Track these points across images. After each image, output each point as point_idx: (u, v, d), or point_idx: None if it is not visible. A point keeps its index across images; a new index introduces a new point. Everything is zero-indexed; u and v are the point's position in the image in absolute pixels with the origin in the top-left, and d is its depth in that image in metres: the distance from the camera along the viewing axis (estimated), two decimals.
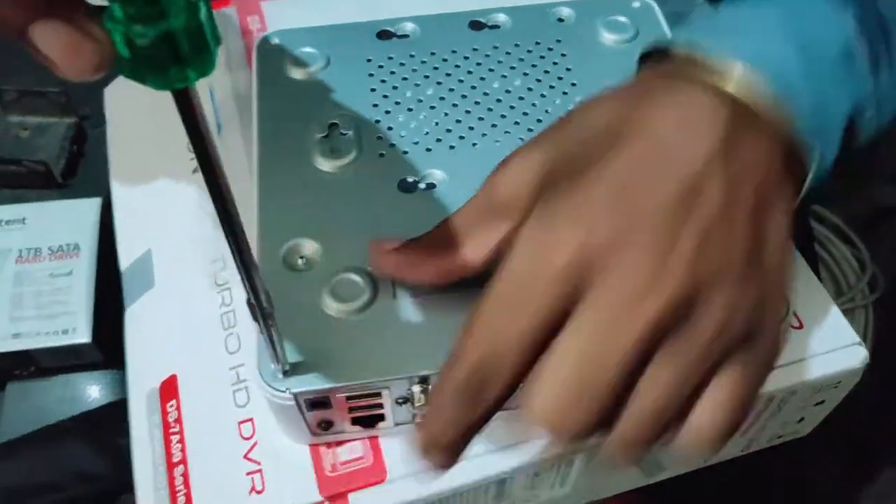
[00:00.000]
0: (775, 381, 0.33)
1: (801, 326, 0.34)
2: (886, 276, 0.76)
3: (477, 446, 0.31)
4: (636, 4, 0.40)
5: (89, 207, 0.50)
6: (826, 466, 0.60)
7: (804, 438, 0.40)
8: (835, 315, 0.35)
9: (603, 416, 0.20)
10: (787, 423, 0.37)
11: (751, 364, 0.22)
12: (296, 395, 0.28)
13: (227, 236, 0.21)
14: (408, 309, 0.29)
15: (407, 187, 0.33)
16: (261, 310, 0.24)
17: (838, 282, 0.77)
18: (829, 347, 0.34)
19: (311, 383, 0.28)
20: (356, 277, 0.30)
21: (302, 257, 0.31)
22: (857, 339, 0.34)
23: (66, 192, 0.52)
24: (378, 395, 0.29)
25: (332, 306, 0.29)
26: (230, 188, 0.20)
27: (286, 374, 0.28)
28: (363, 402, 0.29)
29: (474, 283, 0.23)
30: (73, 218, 0.50)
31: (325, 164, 0.33)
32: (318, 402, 0.28)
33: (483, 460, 0.31)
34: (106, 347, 0.46)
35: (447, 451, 0.22)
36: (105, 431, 0.43)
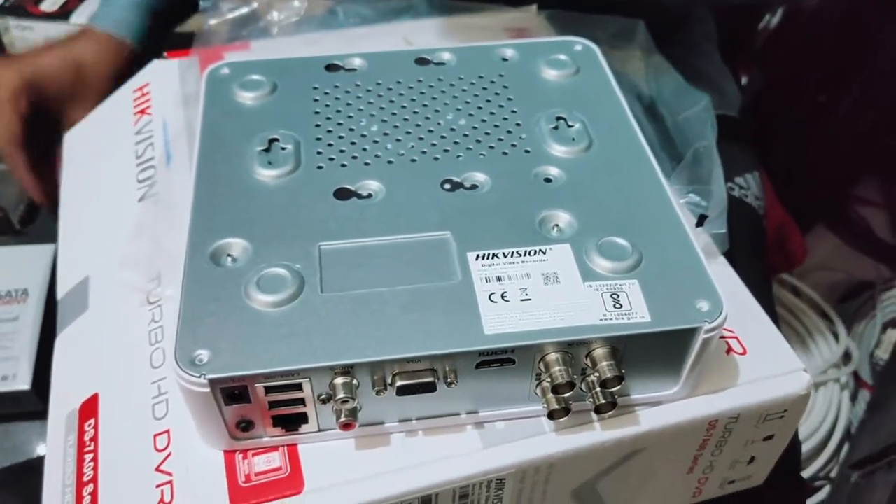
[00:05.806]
0: (718, 404, 0.31)
1: (744, 352, 0.33)
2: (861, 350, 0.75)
3: (402, 459, 0.29)
4: (578, 48, 0.41)
5: (41, 254, 0.50)
6: None
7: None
8: (779, 342, 0.34)
9: None
10: (738, 462, 0.35)
11: None
12: (212, 382, 0.26)
13: None
14: (332, 304, 0.28)
15: (342, 195, 0.33)
16: None
17: (812, 354, 0.76)
18: (773, 373, 0.32)
19: (229, 369, 0.26)
20: (282, 272, 0.29)
21: (230, 255, 0.30)
22: (802, 365, 0.33)
23: (23, 238, 0.51)
24: (299, 387, 0.27)
25: (255, 299, 0.28)
26: None
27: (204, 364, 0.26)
28: (284, 396, 0.27)
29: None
30: (25, 264, 0.49)
31: (262, 174, 0.34)
32: (236, 392, 0.27)
33: (406, 474, 0.29)
34: (47, 396, 0.44)
35: None
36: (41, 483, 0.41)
